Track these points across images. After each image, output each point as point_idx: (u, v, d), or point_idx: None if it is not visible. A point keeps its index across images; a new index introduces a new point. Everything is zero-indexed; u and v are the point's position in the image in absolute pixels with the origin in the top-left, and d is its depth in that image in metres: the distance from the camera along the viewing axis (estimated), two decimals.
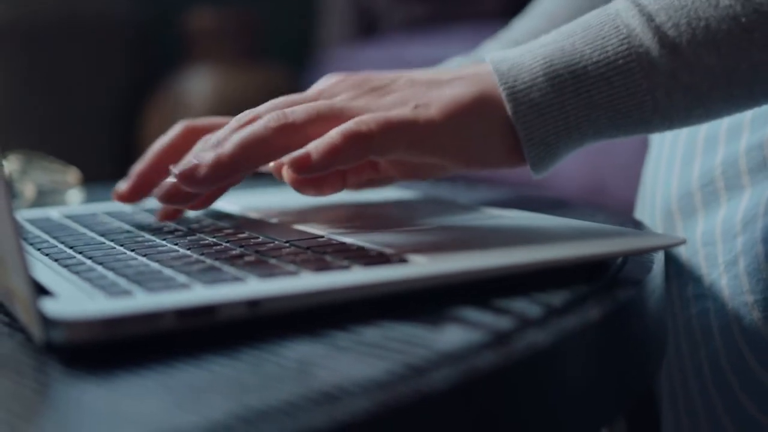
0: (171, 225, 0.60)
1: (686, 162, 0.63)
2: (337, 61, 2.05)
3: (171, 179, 0.53)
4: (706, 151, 0.62)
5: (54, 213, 0.68)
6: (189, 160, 0.51)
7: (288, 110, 0.51)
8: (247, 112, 0.54)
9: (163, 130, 2.08)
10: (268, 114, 0.52)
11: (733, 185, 0.59)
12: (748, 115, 0.60)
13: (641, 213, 0.67)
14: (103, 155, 2.20)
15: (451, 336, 0.40)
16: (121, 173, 2.28)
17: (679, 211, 0.62)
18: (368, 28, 2.20)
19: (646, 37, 0.51)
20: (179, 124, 0.62)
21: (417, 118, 0.51)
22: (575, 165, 1.33)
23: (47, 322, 0.38)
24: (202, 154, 0.51)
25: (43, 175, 0.87)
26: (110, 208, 0.69)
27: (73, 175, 0.88)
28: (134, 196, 0.62)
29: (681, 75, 0.51)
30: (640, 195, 0.69)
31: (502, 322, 0.41)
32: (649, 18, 0.51)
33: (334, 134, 0.49)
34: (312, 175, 0.50)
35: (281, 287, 0.42)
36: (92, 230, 0.59)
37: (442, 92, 0.52)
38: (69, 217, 0.66)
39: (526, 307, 0.43)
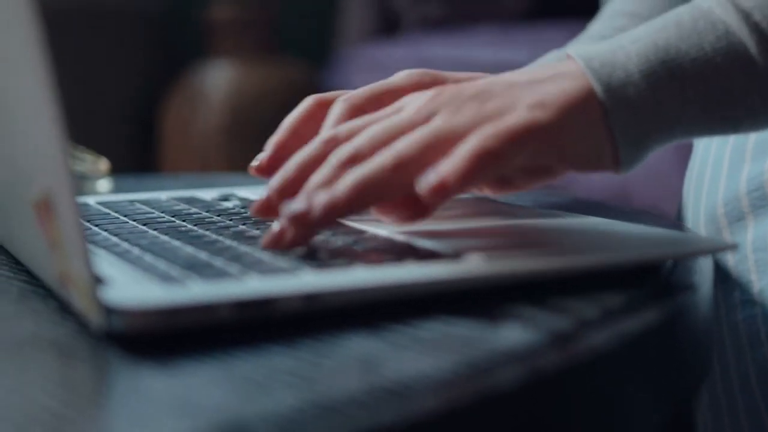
0: (212, 216, 0.59)
1: (734, 167, 0.62)
2: (358, 60, 2.05)
3: (277, 225, 0.49)
4: (756, 157, 0.61)
5: (91, 201, 0.67)
6: (301, 200, 0.48)
7: (399, 146, 0.48)
8: (337, 131, 0.51)
9: (182, 122, 2.08)
10: (369, 141, 0.49)
11: None
12: None
13: (683, 218, 0.67)
14: (123, 146, 2.20)
15: (511, 335, 0.39)
16: (143, 164, 2.28)
17: (725, 216, 0.62)
18: (388, 26, 2.19)
19: (743, 34, 0.50)
20: (309, 98, 0.59)
21: (536, 119, 0.48)
22: None
23: (106, 309, 0.38)
24: (315, 194, 0.48)
25: (75, 164, 0.86)
26: (144, 198, 0.68)
27: (103, 164, 0.88)
28: (273, 168, 0.56)
29: None
30: (683, 200, 0.68)
31: (561, 322, 0.41)
32: (746, 15, 0.50)
33: (463, 155, 0.47)
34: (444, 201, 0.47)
35: (338, 282, 0.42)
36: (133, 219, 0.59)
37: (547, 89, 0.50)
38: (105, 204, 0.65)
39: (584, 307, 0.43)
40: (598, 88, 0.49)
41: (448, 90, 0.51)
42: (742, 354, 0.59)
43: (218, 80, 2.09)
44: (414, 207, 0.51)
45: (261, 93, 2.05)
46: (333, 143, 0.52)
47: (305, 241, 0.49)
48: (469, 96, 0.50)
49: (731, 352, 0.60)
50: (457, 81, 0.55)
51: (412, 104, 0.52)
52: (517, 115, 0.48)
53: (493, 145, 0.47)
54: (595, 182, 1.33)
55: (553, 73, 0.51)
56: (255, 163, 0.58)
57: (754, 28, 0.50)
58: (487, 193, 0.58)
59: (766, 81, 0.50)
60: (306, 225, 0.47)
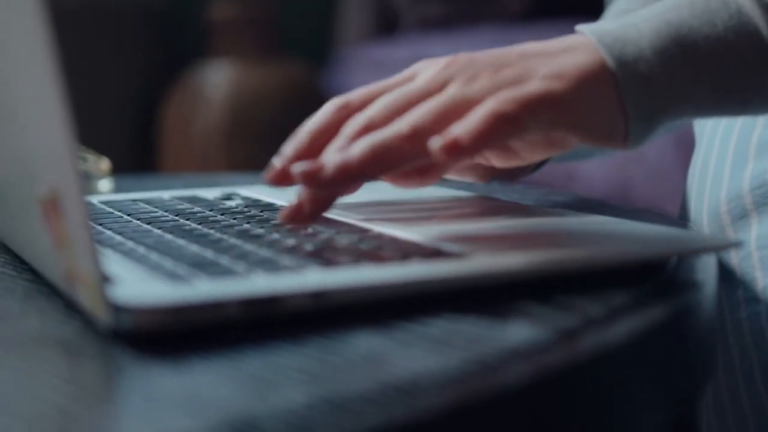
0: (216, 215, 0.59)
1: (737, 165, 0.62)
2: (357, 59, 2.05)
3: (279, 165, 0.50)
4: (759, 155, 0.61)
5: (94, 200, 0.67)
6: (304, 162, 0.48)
7: (415, 115, 0.48)
8: (349, 98, 0.51)
9: (183, 122, 2.08)
10: (383, 109, 0.49)
11: None
12: None
13: (686, 215, 0.67)
14: (124, 146, 2.20)
15: (518, 332, 0.39)
16: (143, 164, 2.28)
17: (728, 214, 0.62)
18: (388, 26, 2.19)
19: (755, 14, 0.50)
20: (329, 102, 0.59)
21: (553, 89, 0.48)
22: (601, 165, 1.32)
23: (115, 307, 0.38)
24: (329, 155, 0.48)
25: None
26: (146, 197, 0.68)
27: (104, 164, 0.88)
28: (286, 178, 0.54)
29: None
30: (685, 197, 0.68)
31: (567, 320, 0.41)
32: None
33: (479, 117, 0.46)
34: (460, 160, 0.47)
35: (345, 279, 0.42)
36: (137, 218, 0.59)
37: (562, 61, 0.50)
38: (108, 204, 0.66)
39: (589, 305, 0.43)
40: (611, 62, 0.49)
41: (461, 58, 0.51)
42: (746, 352, 0.59)
43: (218, 80, 2.09)
44: (422, 174, 0.51)
45: (261, 92, 2.05)
46: (345, 110, 0.52)
47: (321, 212, 0.49)
48: (484, 65, 0.50)
49: (735, 350, 0.60)
50: None
51: (425, 72, 0.52)
52: (534, 84, 0.48)
53: (510, 108, 0.47)
54: (596, 180, 1.33)
55: (566, 45, 0.51)
56: (268, 172, 0.54)
57: (766, 8, 0.50)
58: (492, 162, 0.57)
59: None
60: (317, 184, 0.47)
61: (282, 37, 2.27)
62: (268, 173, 0.52)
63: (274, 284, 0.41)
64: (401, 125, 0.48)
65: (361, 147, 0.48)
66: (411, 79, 0.53)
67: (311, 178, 0.47)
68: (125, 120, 2.22)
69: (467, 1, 2.08)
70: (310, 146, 0.52)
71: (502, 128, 0.46)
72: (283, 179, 0.51)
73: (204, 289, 0.40)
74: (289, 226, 0.54)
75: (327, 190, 0.48)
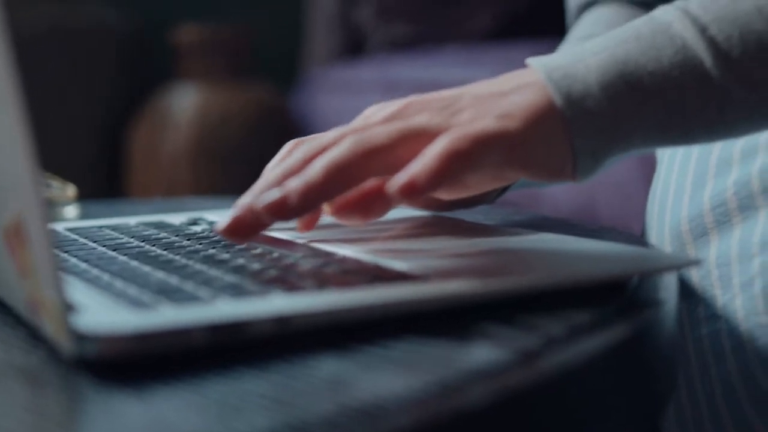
0: (182, 241, 0.59)
1: (697, 184, 0.63)
2: (325, 81, 2.06)
3: (241, 211, 0.49)
4: (719, 173, 0.62)
5: (59, 227, 0.67)
6: (269, 193, 0.48)
7: (369, 134, 0.49)
8: (308, 139, 0.52)
9: (150, 146, 2.07)
10: (342, 139, 0.50)
11: (746, 206, 0.60)
12: (763, 137, 0.60)
13: (648, 234, 0.68)
14: (90, 171, 2.19)
15: (480, 353, 0.40)
16: (109, 189, 2.26)
17: (690, 233, 0.63)
18: (355, 47, 2.20)
19: (700, 48, 0.51)
20: (288, 144, 0.58)
21: (506, 128, 0.49)
22: (567, 188, 1.33)
23: (78, 336, 0.38)
24: (289, 184, 0.48)
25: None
26: (112, 223, 0.68)
27: (70, 190, 0.88)
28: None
29: (733, 89, 0.51)
30: (647, 217, 0.69)
31: (529, 340, 0.41)
32: (702, 29, 0.51)
33: (433, 155, 0.47)
34: (417, 198, 0.47)
35: (309, 304, 0.42)
36: (102, 245, 0.59)
37: (513, 100, 0.51)
38: (73, 230, 0.65)
39: (550, 324, 0.43)
40: (558, 100, 0.51)
41: (416, 101, 0.53)
42: (707, 369, 0.60)
43: (186, 103, 2.09)
44: (367, 209, 0.52)
45: (229, 115, 2.05)
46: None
47: (263, 229, 0.49)
48: (439, 107, 0.52)
49: (696, 367, 0.61)
50: None
51: (379, 113, 0.53)
52: (486, 124, 0.49)
53: (464, 146, 0.48)
54: (562, 199, 1.34)
55: (516, 84, 0.52)
56: (220, 223, 0.52)
57: (710, 42, 0.51)
58: (439, 195, 0.58)
59: (722, 94, 0.51)
60: (286, 214, 0.48)
61: (249, 60, 2.27)
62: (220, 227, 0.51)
63: (239, 310, 0.41)
64: (356, 142, 0.49)
65: (319, 166, 0.48)
66: (365, 119, 0.54)
67: (279, 210, 0.48)
68: (92, 145, 2.21)
69: (434, 21, 2.09)
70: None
71: (457, 165, 0.47)
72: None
73: (168, 316, 0.40)
74: (227, 241, 0.55)
75: (294, 218, 0.49)
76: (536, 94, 0.51)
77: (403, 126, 0.50)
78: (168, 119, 2.09)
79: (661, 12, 0.53)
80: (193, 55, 2.17)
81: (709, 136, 0.52)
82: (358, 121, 0.55)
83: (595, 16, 0.78)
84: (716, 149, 0.63)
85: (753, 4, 0.51)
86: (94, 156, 2.25)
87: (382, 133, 0.49)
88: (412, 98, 0.53)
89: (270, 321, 0.41)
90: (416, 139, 0.49)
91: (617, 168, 1.25)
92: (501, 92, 0.52)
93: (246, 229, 0.49)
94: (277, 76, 2.43)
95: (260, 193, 0.51)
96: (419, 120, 0.50)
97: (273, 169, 0.53)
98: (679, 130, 0.52)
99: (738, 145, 0.62)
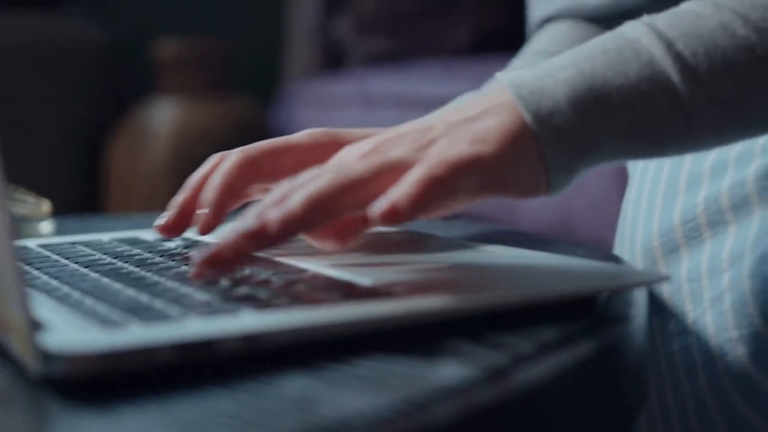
0: (154, 257, 0.59)
1: (668, 199, 0.64)
2: (303, 94, 2.06)
3: (221, 244, 0.49)
4: (689, 189, 0.63)
5: (32, 244, 0.67)
6: (251, 218, 0.49)
7: (347, 169, 0.50)
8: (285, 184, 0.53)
9: (128, 161, 2.07)
10: (319, 175, 0.50)
11: (716, 221, 0.60)
12: (732, 153, 0.61)
13: (620, 249, 0.68)
14: (67, 187, 2.18)
15: (448, 371, 0.40)
16: (87, 204, 2.26)
17: (660, 248, 0.63)
18: (334, 61, 2.21)
19: (666, 64, 0.51)
20: (213, 156, 0.60)
21: (481, 153, 0.50)
22: (544, 201, 1.34)
23: (45, 354, 0.38)
24: (266, 213, 0.49)
25: (15, 205, 0.86)
26: (85, 239, 0.68)
27: (45, 206, 0.87)
28: (178, 228, 0.60)
29: (699, 104, 0.51)
30: (618, 232, 0.70)
31: (496, 357, 0.42)
32: (669, 45, 0.52)
33: (411, 181, 0.48)
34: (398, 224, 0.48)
35: (277, 322, 0.42)
36: (74, 261, 0.59)
37: (485, 125, 0.51)
38: (46, 247, 0.65)
39: (518, 342, 0.44)
40: (528, 118, 0.51)
41: (390, 137, 0.53)
42: (678, 383, 0.61)
43: (164, 117, 2.08)
44: (341, 234, 0.52)
45: (207, 130, 2.05)
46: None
47: (243, 261, 0.49)
48: (413, 140, 0.52)
49: (668, 381, 0.61)
50: (354, 139, 0.58)
51: (354, 152, 0.53)
52: (462, 149, 0.50)
53: (442, 172, 0.48)
54: (539, 214, 1.35)
55: (486, 107, 0.53)
56: (160, 221, 0.60)
57: (677, 57, 0.51)
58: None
59: (689, 108, 0.51)
60: (263, 243, 0.48)
61: (228, 74, 2.28)
62: (159, 224, 0.57)
63: (208, 328, 0.41)
64: (337, 176, 0.49)
65: (298, 198, 0.49)
66: (340, 160, 0.55)
67: (257, 239, 0.48)
68: (70, 159, 2.21)
69: (412, 36, 2.10)
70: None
71: (436, 191, 0.48)
72: (178, 227, 0.55)
73: (136, 334, 0.40)
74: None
75: (271, 247, 0.49)
76: (506, 115, 0.51)
77: (381, 159, 0.50)
78: (147, 133, 2.08)
79: (627, 27, 0.54)
80: (172, 69, 2.17)
81: (678, 149, 0.53)
82: (334, 161, 0.55)
83: (552, 31, 0.79)
84: (686, 165, 0.64)
85: (718, 21, 0.52)
86: (72, 170, 2.24)
87: (360, 167, 0.50)
88: (386, 135, 0.54)
89: (238, 339, 0.41)
90: (394, 171, 0.50)
91: (593, 183, 1.25)
92: (472, 117, 0.52)
93: (226, 261, 0.49)
94: (256, 90, 2.44)
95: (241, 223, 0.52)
96: (396, 153, 0.51)
97: (255, 204, 0.54)
98: (648, 143, 0.52)
99: (708, 161, 0.62)
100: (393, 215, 0.47)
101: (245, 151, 0.59)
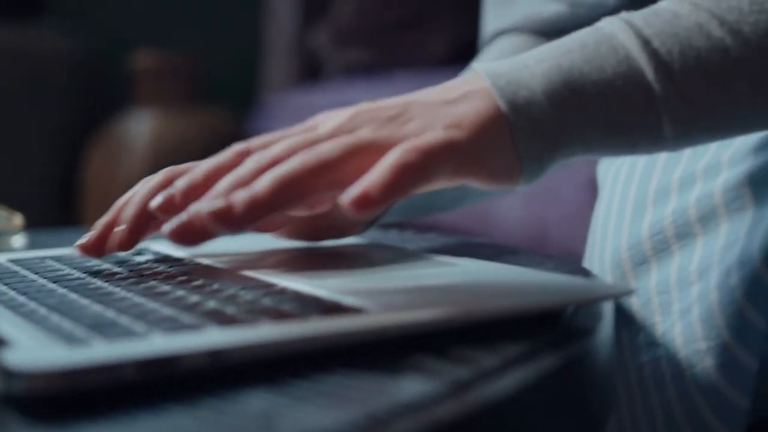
0: (123, 271, 0.59)
1: (637, 212, 0.64)
2: (281, 106, 2.06)
3: (188, 217, 0.49)
4: (658, 201, 0.63)
5: (1, 259, 0.67)
6: (217, 198, 0.49)
7: (320, 148, 0.50)
8: (250, 144, 0.53)
9: (105, 173, 2.06)
10: (291, 154, 0.51)
11: (684, 234, 0.61)
12: (700, 165, 0.62)
13: (590, 262, 0.68)
14: (43, 198, 2.17)
15: (411, 386, 0.40)
16: (62, 217, 2.25)
17: (630, 260, 0.64)
18: (312, 73, 2.21)
19: (642, 60, 0.52)
20: (230, 148, 0.61)
21: (454, 138, 0.50)
22: (519, 213, 1.34)
23: (6, 372, 0.38)
24: (234, 194, 0.49)
25: None
26: (56, 254, 0.68)
27: (17, 219, 0.87)
28: (97, 248, 0.60)
29: (673, 102, 0.52)
30: (588, 244, 0.70)
31: (460, 372, 0.42)
32: (645, 42, 0.52)
33: (384, 168, 0.48)
34: (369, 212, 0.47)
35: (242, 338, 0.42)
36: (43, 276, 0.59)
37: (461, 109, 0.52)
38: (16, 262, 0.65)
39: (482, 356, 0.44)
40: (504, 106, 0.52)
41: (364, 110, 0.53)
42: (648, 396, 0.61)
43: (141, 129, 2.08)
44: (302, 226, 0.52)
45: (184, 141, 2.05)
46: (245, 155, 0.54)
47: (208, 238, 0.49)
48: (388, 117, 0.52)
49: (638, 393, 0.62)
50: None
51: (329, 122, 0.54)
52: (435, 135, 0.50)
53: (416, 158, 0.48)
54: (512, 223, 1.35)
55: (463, 92, 0.53)
56: (81, 241, 0.60)
57: (653, 54, 0.52)
58: (300, 214, 0.59)
59: (663, 104, 0.52)
60: (229, 224, 0.48)
61: (206, 86, 2.27)
62: (81, 244, 0.58)
63: (171, 345, 0.41)
64: (308, 156, 0.49)
65: (268, 180, 0.49)
66: (313, 128, 0.55)
67: (222, 219, 0.48)
68: (46, 171, 2.20)
69: (389, 47, 2.11)
70: (204, 183, 0.53)
71: (409, 178, 0.48)
72: (169, 210, 0.53)
73: (100, 351, 0.40)
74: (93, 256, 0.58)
75: (238, 228, 0.49)
76: (483, 101, 0.52)
77: (351, 140, 0.50)
78: (124, 145, 2.08)
79: (605, 23, 0.54)
80: (149, 81, 2.17)
81: (650, 145, 0.54)
82: (307, 126, 0.55)
83: (504, 44, 0.80)
84: (655, 178, 0.64)
85: (694, 21, 0.53)
86: (48, 182, 2.23)
87: (330, 149, 0.49)
88: (361, 107, 0.53)
89: (202, 355, 0.41)
90: (364, 153, 0.50)
91: (568, 195, 1.26)
92: (448, 100, 0.52)
93: (192, 236, 0.49)
94: (233, 102, 2.43)
95: (188, 183, 0.53)
96: (366, 133, 0.51)
97: (204, 164, 0.54)
98: (621, 138, 0.53)
99: (677, 173, 0.63)
100: (365, 202, 0.47)
101: (170, 171, 0.59)
